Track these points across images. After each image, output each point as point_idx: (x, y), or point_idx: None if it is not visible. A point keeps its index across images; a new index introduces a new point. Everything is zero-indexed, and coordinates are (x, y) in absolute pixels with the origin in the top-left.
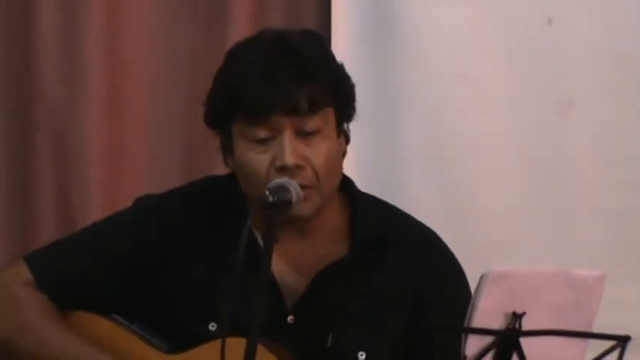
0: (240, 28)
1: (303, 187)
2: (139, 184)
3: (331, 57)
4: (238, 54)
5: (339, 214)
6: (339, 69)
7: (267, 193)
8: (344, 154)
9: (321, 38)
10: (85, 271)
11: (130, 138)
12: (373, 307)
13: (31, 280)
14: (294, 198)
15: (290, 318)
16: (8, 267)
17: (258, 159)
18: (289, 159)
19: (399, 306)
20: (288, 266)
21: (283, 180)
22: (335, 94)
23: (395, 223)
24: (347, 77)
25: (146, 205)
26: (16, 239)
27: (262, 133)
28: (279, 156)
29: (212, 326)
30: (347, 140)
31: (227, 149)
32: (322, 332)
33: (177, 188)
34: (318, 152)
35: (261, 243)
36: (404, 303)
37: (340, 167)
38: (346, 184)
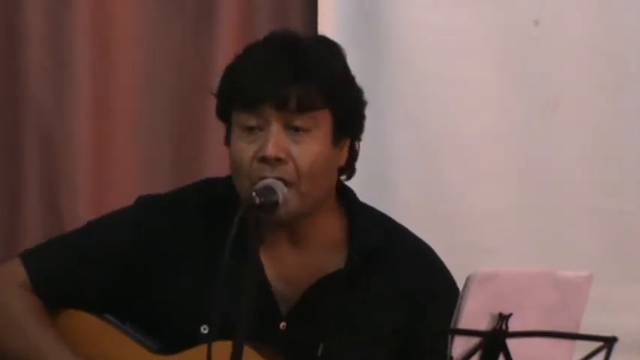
0: (228, 29)
1: (282, 181)
2: (126, 184)
3: (338, 64)
4: (246, 48)
5: (336, 224)
6: (344, 77)
7: (254, 194)
8: (348, 170)
9: (335, 47)
10: (80, 271)
11: (117, 138)
12: (366, 320)
13: (26, 280)
14: (280, 199)
15: (282, 324)
16: (3, 266)
17: (245, 148)
18: (270, 150)
19: (393, 320)
20: (284, 274)
21: (270, 181)
22: (332, 99)
23: (393, 238)
24: (353, 89)
25: (146, 204)
26: (3, 239)
27: (252, 121)
28: (262, 146)
29: (204, 329)
30: (353, 157)
31: (228, 141)
32: (313, 341)
33: (177, 190)
34: (303, 150)
35: None
36: (398, 317)
37: (329, 175)
38: (346, 194)
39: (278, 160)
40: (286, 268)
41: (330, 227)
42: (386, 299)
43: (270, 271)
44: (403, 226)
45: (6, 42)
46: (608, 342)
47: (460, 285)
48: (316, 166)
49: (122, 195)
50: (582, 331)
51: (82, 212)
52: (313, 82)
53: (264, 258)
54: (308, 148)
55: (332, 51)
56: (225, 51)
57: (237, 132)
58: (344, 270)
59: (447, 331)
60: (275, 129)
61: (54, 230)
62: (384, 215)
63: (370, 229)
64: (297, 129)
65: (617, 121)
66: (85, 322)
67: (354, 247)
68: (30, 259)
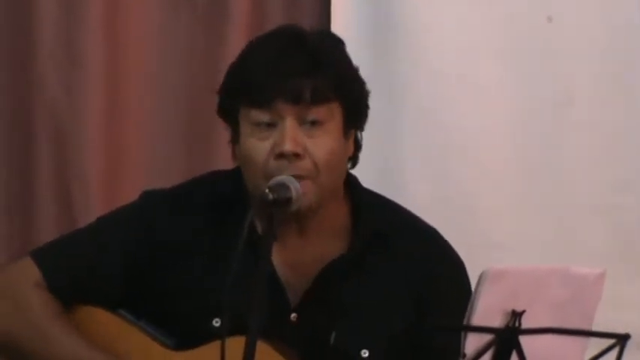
0: (239, 26)
1: (299, 177)
2: (138, 180)
3: (344, 56)
4: (251, 44)
5: (342, 210)
6: (351, 69)
7: (267, 190)
8: (352, 159)
9: (337, 39)
10: (92, 267)
11: (129, 134)
12: (376, 305)
13: (39, 278)
14: (294, 195)
15: (293, 316)
16: (15, 265)
17: (259, 145)
18: (288, 146)
19: (402, 304)
20: (290, 263)
21: (283, 177)
22: (342, 91)
23: (398, 221)
24: (359, 80)
25: (153, 199)
26: (16, 233)
27: (265, 118)
28: (279, 142)
29: (216, 322)
30: (357, 147)
31: (235, 139)
32: (325, 330)
33: (183, 184)
34: (319, 144)
35: None
36: (407, 302)
37: (342, 167)
38: (350, 180)
39: (296, 156)
40: (293, 257)
41: (336, 214)
42: (395, 289)
43: (277, 262)
44: (408, 210)
45: (19, 39)
46: (621, 339)
47: (471, 281)
48: (332, 158)
49: (134, 191)
50: (594, 328)
51: (94, 207)
52: (325, 74)
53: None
54: (323, 141)
55: (336, 42)
56: (236, 49)
57: (248, 129)
58: (347, 255)
59: (460, 327)
60: (290, 124)
61: (66, 225)
62: (388, 200)
63: (374, 214)
64: (311, 122)
65: (629, 119)
66: (100, 319)
67: (357, 231)
68: (42, 258)
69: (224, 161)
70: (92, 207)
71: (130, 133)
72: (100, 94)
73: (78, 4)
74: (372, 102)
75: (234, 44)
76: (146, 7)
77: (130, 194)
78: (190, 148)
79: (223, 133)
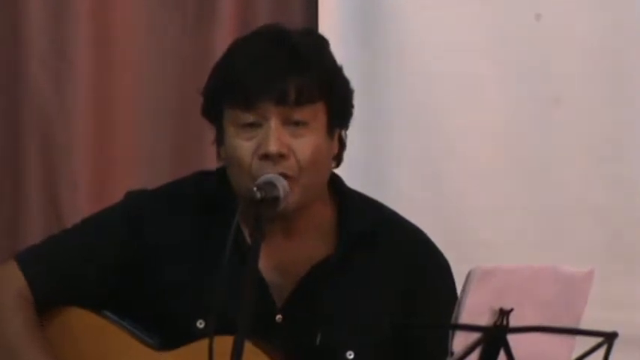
0: (227, 27)
1: (284, 176)
2: (126, 180)
3: (328, 55)
4: (235, 44)
5: (326, 211)
6: (335, 68)
7: (254, 189)
8: (336, 158)
9: (321, 38)
10: (77, 269)
11: (117, 133)
12: (362, 306)
13: (23, 286)
14: (281, 194)
15: (278, 317)
16: (1, 271)
17: (243, 146)
18: (273, 146)
19: (389, 305)
20: (276, 264)
21: (271, 176)
22: (327, 91)
23: (383, 222)
24: (343, 79)
25: (137, 200)
26: (4, 234)
27: (249, 118)
28: (263, 143)
29: (200, 323)
30: (342, 146)
31: (220, 140)
32: (311, 331)
33: (167, 184)
34: (304, 144)
35: (248, 240)
36: (393, 302)
37: (327, 167)
38: (334, 181)
39: (281, 157)
40: (279, 258)
41: (321, 215)
42: (381, 289)
43: (262, 262)
44: (393, 211)
45: (7, 37)
46: (609, 337)
47: (458, 279)
48: (316, 158)
49: (122, 192)
50: (582, 326)
51: (82, 208)
52: (309, 75)
53: None
54: (307, 141)
55: (321, 42)
56: (225, 48)
57: (233, 130)
58: (334, 256)
59: (448, 326)
60: (274, 125)
61: (55, 227)
62: (373, 200)
63: (359, 215)
64: (296, 123)
65: (619, 117)
66: (84, 319)
67: (343, 232)
68: (26, 263)
69: (214, 162)
70: (80, 208)
71: (118, 130)
72: (88, 91)
73: (66, 3)
74: (361, 100)
75: (224, 43)
76: (135, 7)
77: (118, 196)
78: (180, 149)
79: (213, 131)
